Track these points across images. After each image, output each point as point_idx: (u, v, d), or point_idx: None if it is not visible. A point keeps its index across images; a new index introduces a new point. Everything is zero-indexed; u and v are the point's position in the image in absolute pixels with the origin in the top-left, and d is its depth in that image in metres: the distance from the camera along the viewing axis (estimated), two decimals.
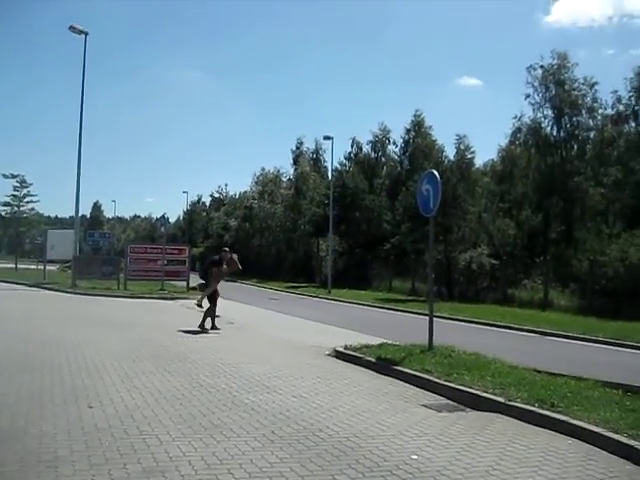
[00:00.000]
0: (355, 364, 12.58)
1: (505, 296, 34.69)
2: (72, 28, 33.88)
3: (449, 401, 9.67)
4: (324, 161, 67.41)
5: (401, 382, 10.89)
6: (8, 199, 52.99)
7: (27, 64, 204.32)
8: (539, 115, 43.59)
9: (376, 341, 15.19)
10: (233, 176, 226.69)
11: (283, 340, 16.00)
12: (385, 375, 11.48)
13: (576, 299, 31.44)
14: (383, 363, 12.15)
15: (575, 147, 43.16)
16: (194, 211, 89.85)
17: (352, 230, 49.84)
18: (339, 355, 13.56)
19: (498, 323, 24.29)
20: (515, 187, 45.28)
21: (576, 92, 42.52)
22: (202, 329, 16.86)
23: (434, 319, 23.73)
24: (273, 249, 62.47)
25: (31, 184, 52.70)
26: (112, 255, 50.91)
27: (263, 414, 8.11)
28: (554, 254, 39.59)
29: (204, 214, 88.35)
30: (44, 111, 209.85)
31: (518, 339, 20.11)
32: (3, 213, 54.84)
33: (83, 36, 34.45)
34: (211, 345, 14.24)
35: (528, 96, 43.20)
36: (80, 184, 34.59)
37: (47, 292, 31.14)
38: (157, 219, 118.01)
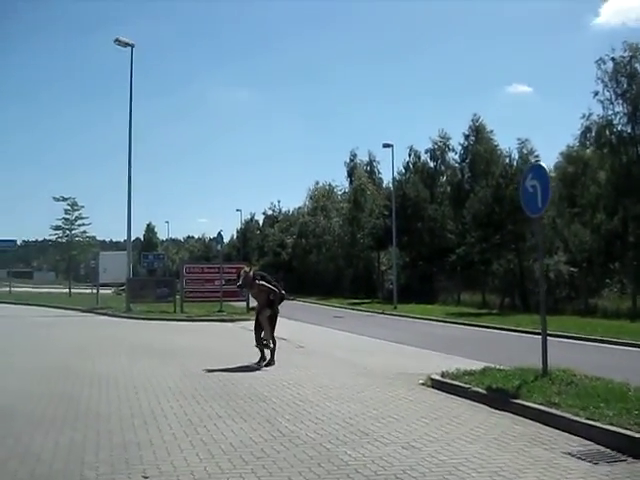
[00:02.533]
0: (460, 396, 10.43)
1: (587, 306, 32.11)
2: (117, 41, 32.42)
3: (598, 446, 7.48)
4: (379, 172, 65.58)
5: (525, 420, 8.73)
6: (59, 222, 51.66)
7: (74, 86, 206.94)
8: (610, 112, 40.95)
9: (466, 363, 13.27)
10: (285, 192, 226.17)
11: (363, 366, 13.95)
12: (501, 410, 9.32)
13: None
14: (496, 395, 9.99)
15: None
16: (248, 229, 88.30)
17: (415, 242, 47.52)
18: (437, 385, 11.43)
19: (591, 337, 21.87)
20: (588, 189, 42.56)
21: None
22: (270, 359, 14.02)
23: (519, 334, 21.68)
24: (331, 265, 60.39)
25: (82, 207, 51.34)
26: (167, 276, 49.43)
27: (373, 478, 6.07)
28: (633, 258, 36.97)
29: (258, 232, 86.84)
30: (94, 130, 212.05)
31: (623, 355, 17.73)
32: (55, 237, 53.45)
33: (129, 49, 32.98)
34: (284, 377, 12.19)
35: (597, 93, 40.54)
36: (132, 205, 33.12)
37: (100, 317, 29.59)
38: (211, 239, 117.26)
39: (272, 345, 14.18)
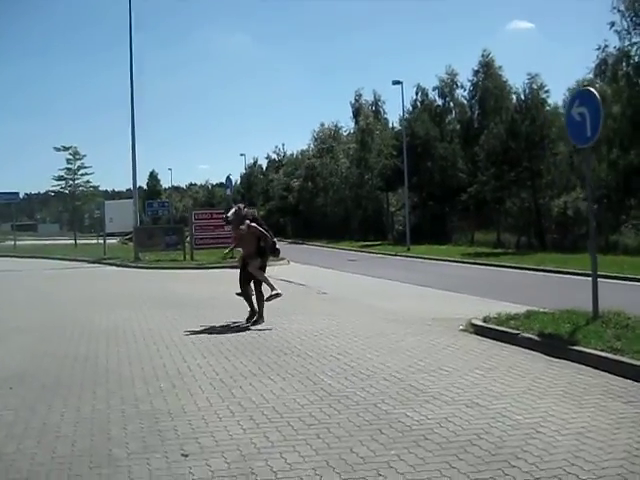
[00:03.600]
0: (508, 343, 9.58)
1: (607, 243, 31.18)
2: None
3: None
4: (384, 112, 64.08)
5: (588, 368, 7.89)
6: (62, 173, 50.39)
7: (74, 35, 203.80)
8: (627, 43, 39.38)
9: (500, 306, 12.50)
10: (289, 136, 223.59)
11: (393, 312, 13.09)
12: (558, 358, 8.49)
13: None
14: (550, 341, 9.15)
15: None
16: (252, 174, 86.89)
17: (425, 181, 46.38)
18: (480, 331, 10.58)
19: (621, 275, 21.02)
20: (603, 124, 41.23)
21: None
22: (258, 317, 11.84)
23: (543, 273, 20.82)
24: (339, 207, 59.35)
25: (84, 155, 49.95)
26: (172, 224, 48.51)
27: (446, 446, 5.23)
28: None
29: (262, 176, 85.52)
30: (94, 82, 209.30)
31: None
32: (59, 188, 52.22)
33: None
34: (314, 327, 11.32)
35: (613, 24, 38.91)
36: (136, 153, 32.12)
37: (109, 268, 28.72)
38: (214, 185, 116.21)
39: (269, 296, 11.96)
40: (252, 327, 11.38)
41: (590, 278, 10.25)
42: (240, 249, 12.70)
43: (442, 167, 46.83)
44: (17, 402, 6.70)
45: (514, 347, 9.30)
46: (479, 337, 10.22)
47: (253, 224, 11.90)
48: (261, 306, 11.84)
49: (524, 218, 38.19)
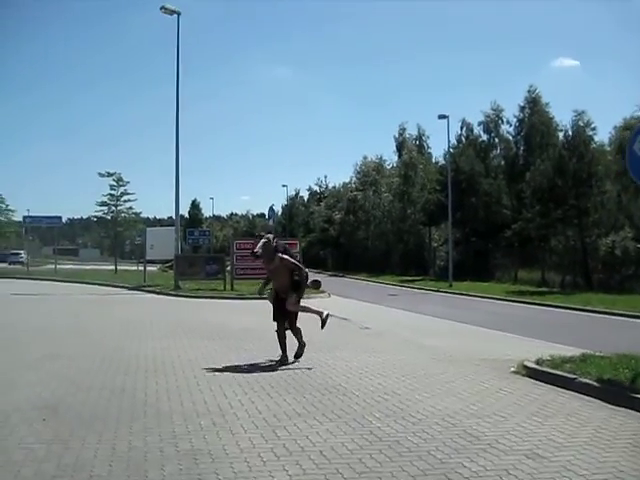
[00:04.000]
0: (565, 388, 9.07)
1: None
2: (164, 8, 31.19)
3: None
4: (428, 147, 63.78)
5: None
6: (105, 198, 50.63)
7: (121, 60, 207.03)
8: None
9: (550, 348, 12.16)
10: (331, 169, 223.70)
11: (439, 350, 12.66)
12: (620, 406, 7.97)
13: None
14: (610, 388, 8.62)
15: None
16: (293, 205, 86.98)
17: (469, 217, 45.75)
18: (533, 374, 10.06)
19: None
20: None
21: None
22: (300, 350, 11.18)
23: (590, 314, 20.20)
24: (381, 241, 58.94)
25: (128, 182, 50.24)
26: (212, 253, 48.45)
27: None
28: None
29: (303, 208, 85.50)
30: (139, 107, 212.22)
31: None
32: (101, 213, 52.45)
33: (175, 18, 31.72)
34: (359, 364, 10.90)
35: None
36: (179, 180, 32.14)
37: (149, 295, 28.58)
38: (255, 216, 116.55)
39: (322, 321, 11.32)
40: (286, 364, 10.62)
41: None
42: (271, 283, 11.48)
43: (486, 203, 46.21)
44: (50, 435, 6.34)
45: (571, 392, 8.80)
46: (532, 380, 9.71)
47: (285, 256, 10.81)
48: (300, 338, 11.14)
49: (569, 257, 37.45)
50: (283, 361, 10.76)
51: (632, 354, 10.31)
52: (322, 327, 11.38)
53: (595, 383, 8.88)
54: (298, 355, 11.05)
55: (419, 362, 11.19)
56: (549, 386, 9.26)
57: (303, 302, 11.46)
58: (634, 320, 20.56)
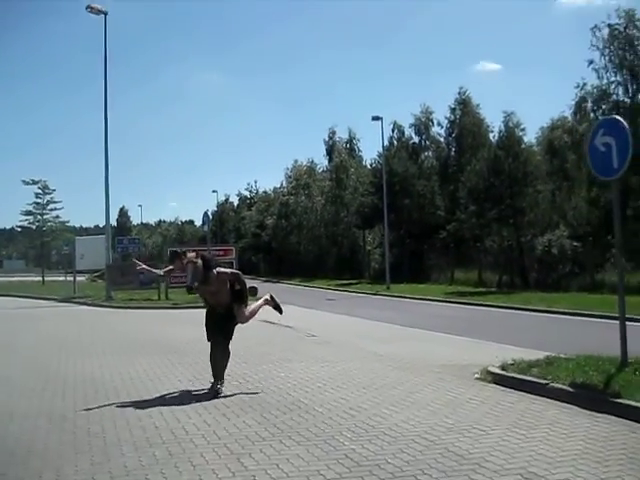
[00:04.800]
0: (537, 394, 8.58)
1: (593, 282, 30.44)
2: (90, 8, 30.13)
3: None
4: (359, 150, 63.63)
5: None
6: (30, 207, 48.80)
7: (47, 70, 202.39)
8: (605, 81, 39.19)
9: (505, 350, 11.95)
10: (261, 174, 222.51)
11: (394, 357, 12.10)
12: (599, 412, 7.53)
13: None
14: (586, 393, 8.17)
15: None
16: (223, 211, 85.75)
17: (403, 219, 45.40)
18: (500, 380, 9.57)
19: (611, 314, 20.06)
20: (582, 161, 40.79)
21: None
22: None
23: (533, 313, 20.13)
24: (314, 245, 58.41)
25: (54, 190, 48.50)
26: (147, 261, 47.15)
27: None
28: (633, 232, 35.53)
29: (233, 214, 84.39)
30: (65, 116, 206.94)
31: None
32: (26, 223, 50.51)
33: (102, 18, 30.71)
34: (313, 376, 10.25)
35: (592, 62, 38.76)
36: (109, 189, 31.05)
37: (80, 307, 27.40)
38: (184, 222, 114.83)
39: (275, 305, 10.24)
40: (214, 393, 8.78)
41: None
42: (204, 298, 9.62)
43: (420, 204, 45.99)
44: None
45: (544, 399, 8.33)
46: (500, 387, 9.23)
47: (220, 269, 9.17)
48: (225, 366, 9.22)
49: (505, 256, 37.45)
50: (216, 392, 8.78)
51: (596, 355, 9.99)
52: (280, 312, 10.34)
53: (569, 388, 8.45)
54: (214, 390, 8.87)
55: (377, 371, 10.58)
56: (519, 392, 8.79)
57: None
58: (576, 318, 20.40)
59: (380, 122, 39.57)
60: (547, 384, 8.72)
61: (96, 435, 6.75)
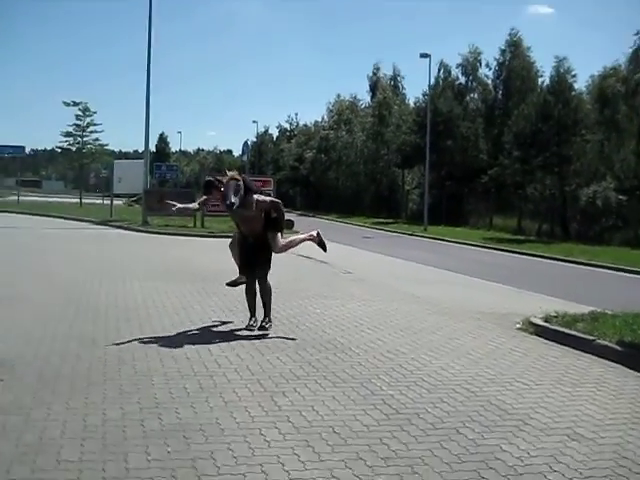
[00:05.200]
0: (582, 350, 8.24)
1: (637, 237, 29.73)
2: None
3: None
4: (403, 88, 62.40)
5: None
6: (70, 129, 48.36)
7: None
8: None
9: (542, 300, 11.88)
10: (302, 108, 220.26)
11: (433, 300, 11.80)
12: None
13: None
14: (636, 352, 7.81)
15: None
16: (262, 142, 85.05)
17: (445, 161, 44.61)
18: (542, 332, 9.22)
19: None
20: (636, 111, 39.60)
21: None
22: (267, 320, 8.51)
23: (574, 265, 19.73)
24: (352, 182, 57.86)
25: (95, 112, 47.74)
26: (180, 188, 47.10)
27: None
28: None
29: (272, 146, 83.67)
30: (111, 41, 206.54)
31: None
32: (66, 144, 50.21)
33: None
34: (350, 314, 10.00)
35: None
36: (149, 112, 30.70)
37: (116, 231, 27.37)
38: (222, 152, 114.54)
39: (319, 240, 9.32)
40: (258, 332, 8.24)
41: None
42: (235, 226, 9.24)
43: (463, 147, 45.13)
44: (6, 402, 5.29)
45: (589, 356, 7.99)
46: (543, 340, 8.89)
47: (261, 197, 8.57)
48: (269, 301, 8.59)
49: (546, 205, 36.68)
50: (249, 326, 8.43)
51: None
52: (324, 249, 9.37)
53: (616, 346, 8.07)
54: (262, 327, 8.39)
55: (415, 314, 10.30)
56: (562, 347, 8.46)
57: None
58: (619, 273, 19.97)
59: (428, 60, 38.60)
60: (593, 340, 8.36)
61: (126, 363, 6.55)
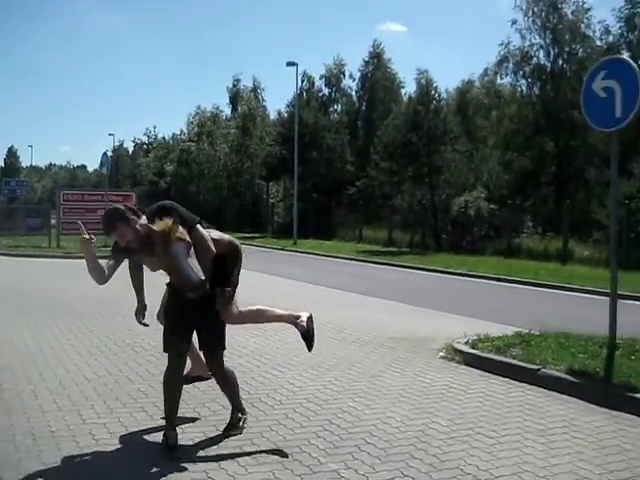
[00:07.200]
0: (522, 381, 7.17)
1: (510, 246, 29.46)
2: None
3: None
4: (263, 100, 61.53)
5: None
6: None
7: None
8: (527, 43, 38.62)
9: (447, 319, 11.50)
10: (161, 121, 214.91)
11: (336, 326, 10.36)
12: (612, 409, 6.25)
13: (601, 250, 26.16)
14: (593, 384, 6.75)
15: (570, 77, 38.03)
16: (118, 157, 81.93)
17: (311, 172, 43.59)
18: (472, 361, 8.05)
19: (539, 282, 18.99)
20: (500, 123, 40.02)
21: (570, 16, 37.75)
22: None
23: (455, 277, 19.05)
24: (214, 195, 56.04)
25: None
26: (33, 205, 44.20)
27: None
28: (544, 197, 35.27)
29: (129, 160, 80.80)
30: None
31: (597, 305, 14.02)
32: None
33: None
34: (250, 348, 8.52)
35: (515, 22, 38.24)
36: None
37: None
38: (76, 167, 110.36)
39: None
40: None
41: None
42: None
43: (329, 158, 44.33)
44: None
45: (537, 389, 6.96)
46: (477, 370, 7.72)
47: (214, 233, 5.63)
48: (236, 395, 5.55)
49: (414, 216, 36.19)
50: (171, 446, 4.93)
51: (570, 333, 8.87)
52: (310, 348, 5.77)
53: (567, 376, 6.98)
54: (230, 427, 5.37)
55: (320, 345, 8.81)
56: (501, 378, 7.37)
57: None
58: (503, 284, 19.30)
59: (295, 68, 37.39)
60: (538, 370, 7.23)
61: None
